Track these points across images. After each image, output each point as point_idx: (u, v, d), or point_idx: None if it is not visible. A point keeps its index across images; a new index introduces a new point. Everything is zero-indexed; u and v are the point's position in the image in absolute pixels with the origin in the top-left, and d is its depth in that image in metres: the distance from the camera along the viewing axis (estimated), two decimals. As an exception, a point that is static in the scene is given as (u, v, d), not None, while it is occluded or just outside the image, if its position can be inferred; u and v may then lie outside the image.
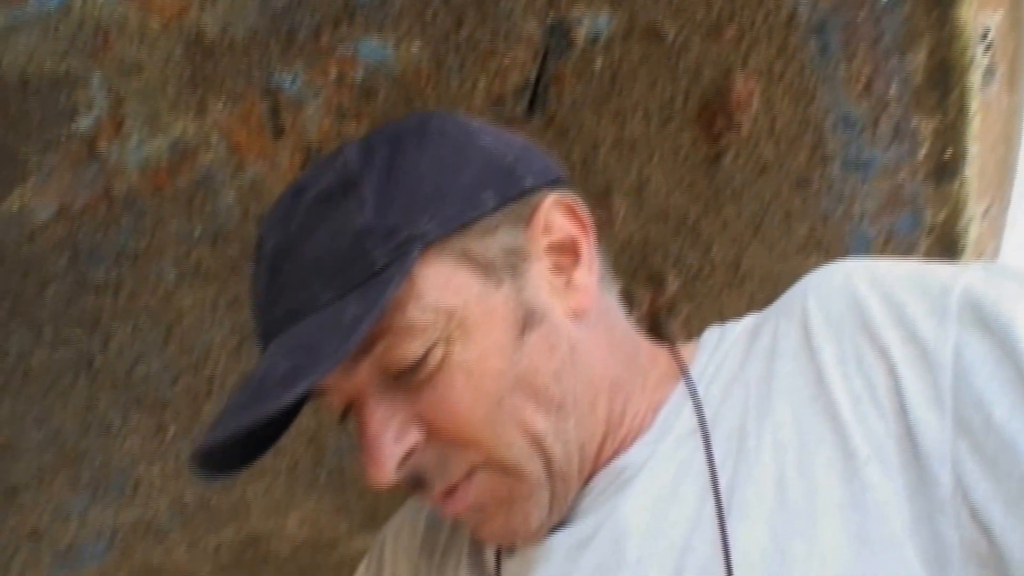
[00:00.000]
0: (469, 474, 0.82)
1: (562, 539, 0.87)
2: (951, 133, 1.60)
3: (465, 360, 0.78)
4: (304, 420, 1.64)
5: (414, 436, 0.80)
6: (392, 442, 0.79)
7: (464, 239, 0.79)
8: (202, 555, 1.82)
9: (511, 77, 1.35)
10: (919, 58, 1.51)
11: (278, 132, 1.31)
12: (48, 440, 1.51)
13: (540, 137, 1.42)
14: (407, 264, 0.76)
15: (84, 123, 1.23)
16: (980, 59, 1.54)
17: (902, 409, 0.72)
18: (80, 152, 1.24)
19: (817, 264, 1.66)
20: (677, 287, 1.65)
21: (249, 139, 1.31)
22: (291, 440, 1.66)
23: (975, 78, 1.55)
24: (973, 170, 1.65)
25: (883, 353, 0.74)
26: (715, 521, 0.78)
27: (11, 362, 1.39)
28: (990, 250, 1.76)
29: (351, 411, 0.84)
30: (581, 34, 1.34)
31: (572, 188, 0.89)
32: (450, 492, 0.83)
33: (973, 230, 1.72)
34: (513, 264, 0.81)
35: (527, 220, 0.83)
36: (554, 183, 0.87)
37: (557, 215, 0.85)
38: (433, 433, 0.80)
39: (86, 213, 1.29)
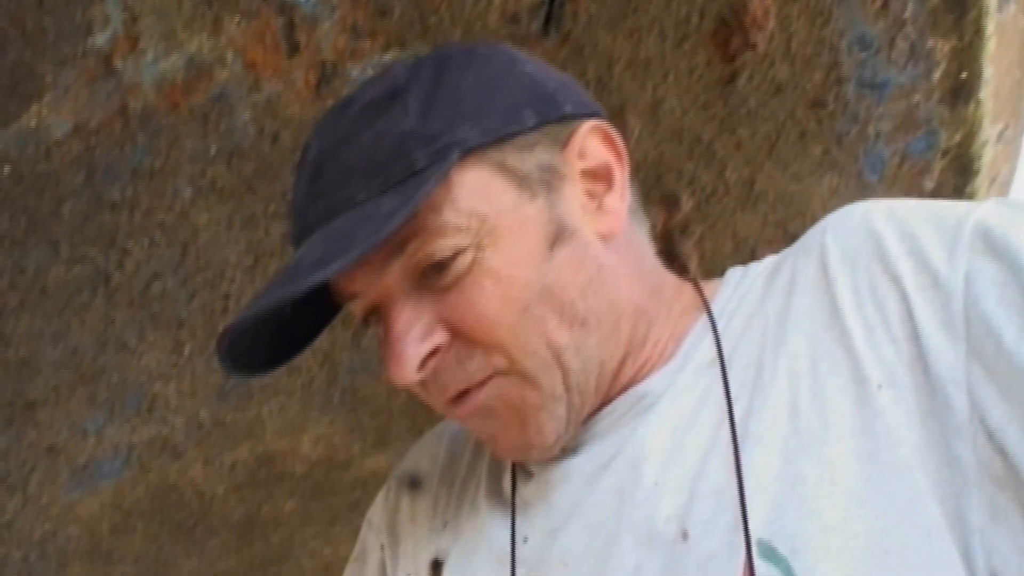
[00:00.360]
0: (486, 379, 0.84)
1: (580, 463, 0.89)
2: (967, 55, 1.59)
3: (494, 266, 0.81)
4: (318, 339, 1.66)
5: (438, 337, 0.82)
6: (416, 341, 0.81)
7: (502, 151, 0.82)
8: (217, 473, 1.85)
9: (527, -6, 1.35)
10: (936, -22, 1.50)
11: (293, 49, 1.30)
12: (65, 357, 1.53)
13: (555, 56, 1.41)
14: (445, 166, 0.78)
15: (100, 39, 1.23)
16: (998, -21, 1.53)
17: (915, 335, 0.73)
18: (96, 69, 1.24)
19: (832, 185, 1.68)
20: (691, 207, 1.65)
21: (264, 57, 1.30)
22: (305, 359, 1.67)
23: (992, -1, 1.54)
24: (988, 92, 1.64)
25: (896, 282, 0.75)
26: (730, 448, 0.79)
27: (28, 279, 1.40)
28: (1005, 172, 1.76)
29: (374, 317, 0.86)
30: (598, -49, 1.33)
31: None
32: (462, 395, 0.85)
33: (988, 152, 1.71)
34: (547, 181, 0.84)
35: (564, 143, 0.86)
36: (592, 115, 0.89)
37: (593, 141, 0.88)
38: (457, 336, 0.82)
39: (102, 130, 1.29)
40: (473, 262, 0.80)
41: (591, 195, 0.87)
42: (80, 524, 1.83)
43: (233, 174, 1.40)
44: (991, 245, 0.72)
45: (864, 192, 1.71)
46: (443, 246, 0.80)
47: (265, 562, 2.12)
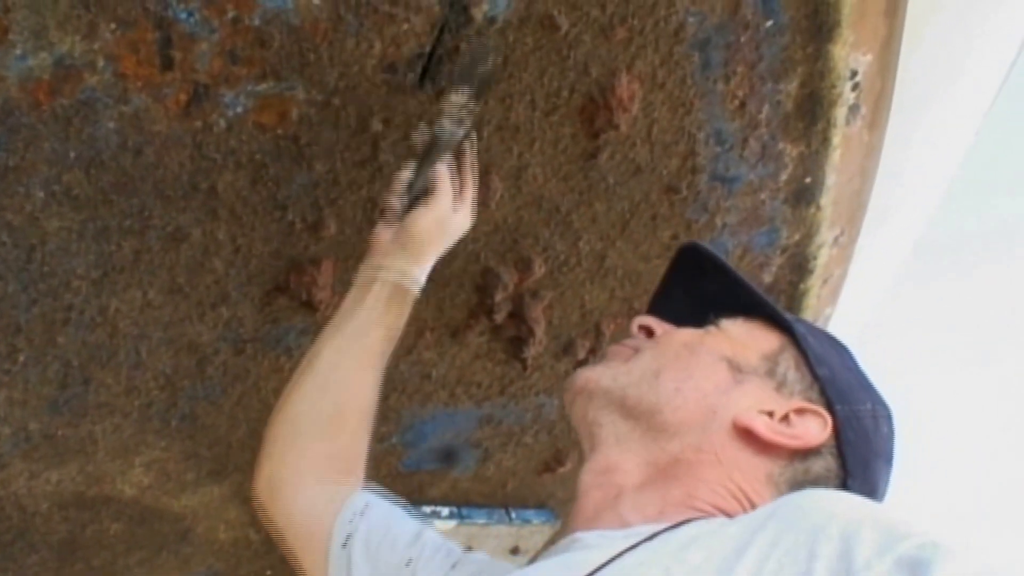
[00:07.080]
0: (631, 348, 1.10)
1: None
2: (813, 161, 1.60)
3: (703, 349, 1.05)
4: (160, 361, 1.55)
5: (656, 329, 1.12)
6: (658, 324, 1.12)
7: (796, 351, 1.04)
8: (42, 489, 1.71)
9: (407, 45, 1.29)
10: (792, 87, 1.50)
11: (167, 65, 1.21)
12: None
13: (426, 110, 1.36)
14: (784, 321, 1.07)
15: (-34, 26, 1.12)
16: (847, 96, 1.54)
17: None
18: (-42, 54, 1.13)
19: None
20: (543, 273, 1.61)
21: (137, 68, 1.21)
22: (145, 380, 1.56)
23: (841, 113, 1.56)
24: (829, 198, 1.65)
25: (811, 559, 0.74)
26: None
27: None
28: (837, 275, 1.77)
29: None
30: (480, 13, 1.28)
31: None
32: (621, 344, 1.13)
33: (823, 255, 1.72)
34: (774, 380, 1.02)
35: (802, 402, 1.00)
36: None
37: (812, 424, 0.98)
38: (651, 342, 1.10)
39: (-43, 119, 1.18)
40: (699, 339, 1.07)
41: (761, 409, 0.99)
42: None
43: (91, 183, 1.29)
44: (914, 568, 0.70)
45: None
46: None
47: (84, 585, 1.97)
